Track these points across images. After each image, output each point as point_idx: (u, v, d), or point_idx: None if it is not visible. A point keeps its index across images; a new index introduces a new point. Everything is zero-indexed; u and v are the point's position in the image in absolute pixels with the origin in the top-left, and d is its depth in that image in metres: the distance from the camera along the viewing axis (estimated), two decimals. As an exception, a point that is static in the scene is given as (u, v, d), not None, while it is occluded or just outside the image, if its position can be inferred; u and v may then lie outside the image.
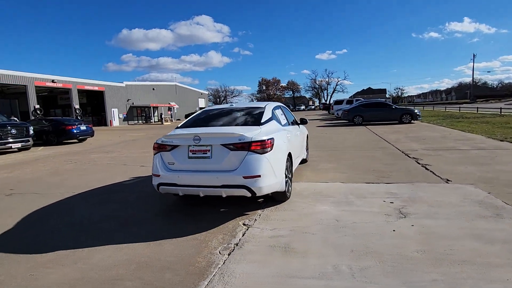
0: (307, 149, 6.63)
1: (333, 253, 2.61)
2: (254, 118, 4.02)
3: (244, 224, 3.38)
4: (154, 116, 41.54)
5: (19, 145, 11.72)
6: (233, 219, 3.54)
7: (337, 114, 25.04)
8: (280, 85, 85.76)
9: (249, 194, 3.37)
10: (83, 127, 14.91)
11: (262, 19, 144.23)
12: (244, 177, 3.29)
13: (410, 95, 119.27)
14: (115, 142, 14.78)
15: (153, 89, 41.62)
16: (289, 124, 5.04)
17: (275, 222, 3.39)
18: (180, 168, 3.52)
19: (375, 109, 18.09)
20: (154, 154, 3.76)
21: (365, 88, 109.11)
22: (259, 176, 3.32)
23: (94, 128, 17.37)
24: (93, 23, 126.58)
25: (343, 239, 2.88)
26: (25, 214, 4.08)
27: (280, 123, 4.49)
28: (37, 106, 25.89)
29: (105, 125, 33.55)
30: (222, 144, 3.40)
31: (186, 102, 48.08)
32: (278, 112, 4.72)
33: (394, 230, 3.02)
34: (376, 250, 2.63)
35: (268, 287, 2.18)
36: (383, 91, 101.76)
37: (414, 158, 6.72)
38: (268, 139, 3.48)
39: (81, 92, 32.37)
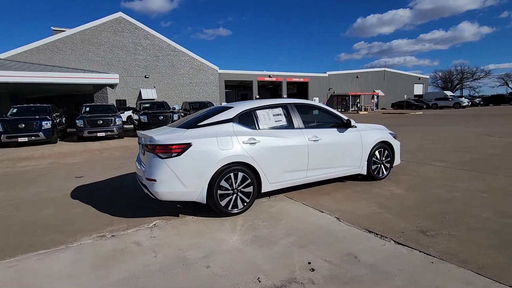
0: (375, 161, 4.74)
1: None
2: (198, 120, 3.70)
3: (154, 224, 3.45)
4: (354, 104, 40.77)
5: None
6: (162, 216, 3.66)
7: None
8: None
9: (153, 197, 3.39)
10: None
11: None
12: (146, 179, 3.36)
13: None
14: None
15: (357, 77, 40.74)
16: (293, 128, 3.98)
17: (170, 232, 3.21)
18: (137, 161, 4.10)
19: None
20: None
21: None
22: (155, 180, 3.25)
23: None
24: (331, 19, 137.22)
25: (141, 276, 2.37)
26: (116, 175, 6.21)
27: (254, 126, 3.75)
28: (257, 96, 33.55)
29: (308, 112, 37.55)
30: (143, 145, 3.62)
31: (395, 89, 43.09)
32: (265, 114, 3.87)
33: (208, 300, 2.05)
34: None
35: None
36: None
37: None
38: (175, 144, 3.23)
39: (292, 84, 37.92)
